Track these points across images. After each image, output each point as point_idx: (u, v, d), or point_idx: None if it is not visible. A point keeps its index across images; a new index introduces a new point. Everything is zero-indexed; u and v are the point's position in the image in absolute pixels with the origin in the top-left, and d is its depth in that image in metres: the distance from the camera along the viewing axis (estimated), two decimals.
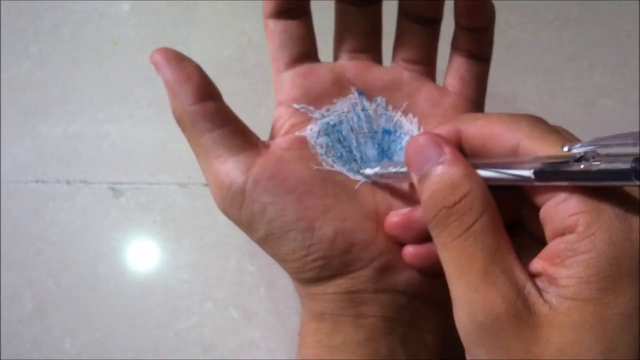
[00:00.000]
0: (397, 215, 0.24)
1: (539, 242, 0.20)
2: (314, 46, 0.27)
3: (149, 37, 0.42)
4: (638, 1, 0.42)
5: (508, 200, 0.20)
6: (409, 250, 0.23)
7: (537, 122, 0.20)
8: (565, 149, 0.18)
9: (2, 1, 0.43)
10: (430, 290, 0.24)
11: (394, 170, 0.24)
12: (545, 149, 0.19)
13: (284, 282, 0.34)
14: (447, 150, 0.20)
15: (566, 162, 0.18)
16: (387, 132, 0.27)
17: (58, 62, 0.41)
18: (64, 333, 0.33)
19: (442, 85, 0.28)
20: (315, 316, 0.24)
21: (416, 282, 0.24)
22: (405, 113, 0.27)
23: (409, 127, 0.27)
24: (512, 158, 0.20)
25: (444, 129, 0.21)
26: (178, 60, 0.23)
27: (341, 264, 0.23)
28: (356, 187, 0.25)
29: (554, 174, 0.18)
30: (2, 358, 0.33)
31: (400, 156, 0.27)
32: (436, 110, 0.26)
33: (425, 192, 0.20)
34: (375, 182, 0.25)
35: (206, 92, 0.24)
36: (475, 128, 0.21)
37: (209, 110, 0.23)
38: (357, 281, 0.23)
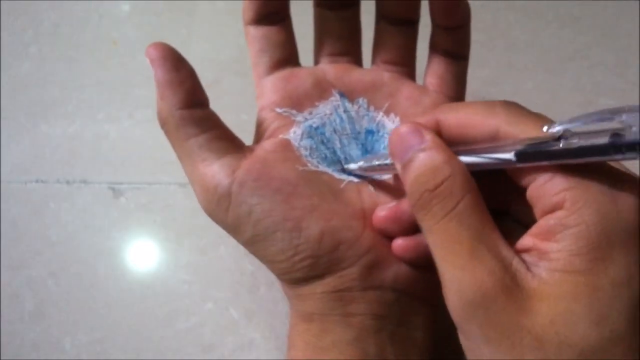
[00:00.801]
0: (384, 209, 0.24)
1: (524, 227, 0.20)
2: (294, 51, 0.28)
3: (149, 37, 0.42)
4: (638, 1, 0.42)
5: (492, 188, 0.21)
6: (398, 243, 0.24)
7: (514, 107, 0.20)
8: (545, 128, 0.18)
9: (2, 1, 0.43)
10: (418, 287, 0.24)
11: (377, 162, 0.24)
12: (524, 131, 0.19)
13: None
14: (428, 138, 0.20)
15: (546, 142, 0.18)
16: (370, 132, 0.27)
17: (58, 62, 0.41)
18: (64, 333, 0.33)
19: (423, 84, 0.28)
20: (304, 317, 0.24)
21: (404, 278, 0.24)
22: (387, 113, 0.27)
23: (392, 126, 0.27)
24: (493, 143, 0.20)
25: (423, 121, 0.22)
26: (173, 61, 0.23)
27: (329, 262, 0.23)
28: (342, 186, 0.25)
29: (535, 155, 0.18)
30: (2, 358, 0.33)
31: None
32: (417, 109, 0.27)
33: (409, 178, 0.21)
34: (361, 177, 0.26)
35: (195, 98, 0.24)
36: (453, 117, 0.21)
37: (195, 116, 0.24)
38: (345, 279, 0.23)
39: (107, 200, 0.37)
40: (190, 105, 0.23)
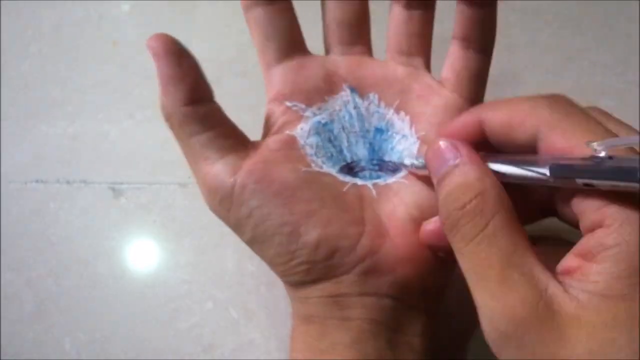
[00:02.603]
0: (431, 223, 0.23)
1: (564, 243, 0.19)
2: (300, 37, 0.26)
3: (149, 37, 0.42)
4: (638, 1, 0.42)
5: (540, 189, 0.20)
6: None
7: (557, 106, 0.19)
8: (587, 144, 0.17)
9: (2, 1, 0.43)
10: (414, 296, 0.24)
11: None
12: (561, 138, 0.18)
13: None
14: (464, 152, 0.20)
15: (578, 161, 0.17)
16: (378, 131, 0.27)
17: (58, 62, 0.41)
18: (64, 333, 0.33)
19: (440, 79, 0.27)
20: (304, 319, 0.24)
21: (400, 286, 0.23)
22: (397, 111, 0.27)
23: (401, 125, 0.26)
24: (531, 155, 0.19)
25: (467, 118, 0.21)
26: (177, 54, 0.23)
27: (325, 269, 0.23)
28: (344, 189, 0.25)
29: (567, 172, 0.17)
30: (2, 358, 0.33)
31: (391, 156, 0.27)
32: (426, 109, 0.26)
33: (441, 195, 0.20)
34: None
35: (199, 93, 0.23)
36: (497, 116, 0.20)
37: (199, 113, 0.23)
38: (341, 285, 0.23)
39: (107, 200, 0.37)
40: (194, 101, 0.23)
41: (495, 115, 0.20)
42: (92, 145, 0.39)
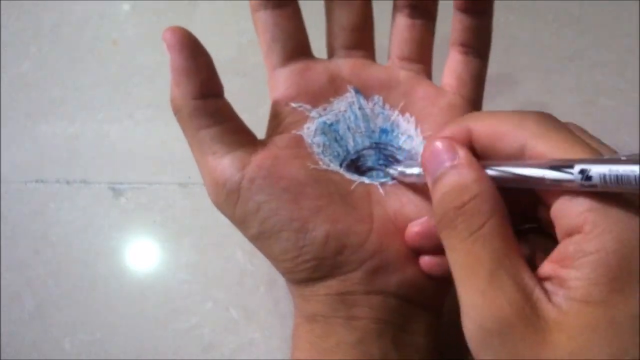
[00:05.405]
0: (417, 225, 0.23)
1: (553, 240, 0.19)
2: (306, 40, 0.27)
3: (149, 37, 0.42)
4: (638, 1, 0.42)
5: (524, 197, 0.20)
6: (425, 260, 0.23)
7: (544, 120, 0.20)
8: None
9: (2, 1, 0.43)
10: (421, 295, 0.24)
11: (418, 171, 0.23)
12: (549, 147, 0.19)
13: (284, 282, 0.34)
14: (462, 154, 0.20)
15: (570, 166, 0.17)
16: (384, 131, 0.27)
17: (58, 62, 0.41)
18: (64, 333, 0.33)
19: (440, 85, 0.27)
20: (308, 318, 0.24)
21: (407, 285, 0.23)
22: (402, 112, 0.27)
23: (406, 126, 0.26)
24: (524, 160, 0.19)
25: (455, 128, 0.21)
26: (191, 47, 0.23)
27: (332, 265, 0.23)
28: (352, 187, 0.25)
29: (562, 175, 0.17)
30: (2, 358, 0.33)
31: (398, 155, 0.27)
32: (432, 110, 0.26)
33: (437, 194, 0.20)
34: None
35: (210, 88, 0.23)
36: (484, 127, 0.20)
37: (209, 107, 0.23)
38: (348, 283, 0.23)
39: (107, 200, 0.37)
40: (205, 95, 0.23)
41: (483, 125, 0.21)
42: (92, 145, 0.39)
